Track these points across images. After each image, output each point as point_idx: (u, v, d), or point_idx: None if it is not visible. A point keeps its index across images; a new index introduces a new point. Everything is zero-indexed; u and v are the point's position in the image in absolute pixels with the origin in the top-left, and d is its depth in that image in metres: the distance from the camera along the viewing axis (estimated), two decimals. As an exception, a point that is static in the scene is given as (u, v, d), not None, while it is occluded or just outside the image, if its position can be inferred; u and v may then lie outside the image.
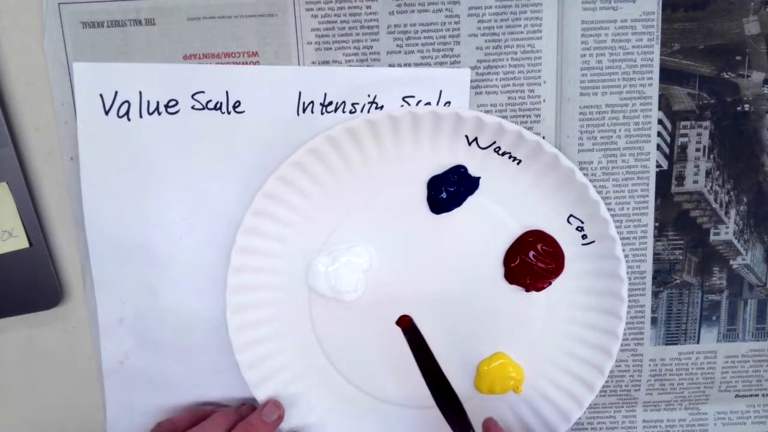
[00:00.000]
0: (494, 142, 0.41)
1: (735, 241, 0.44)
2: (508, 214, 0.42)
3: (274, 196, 0.41)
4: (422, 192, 0.42)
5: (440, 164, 0.42)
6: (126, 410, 0.45)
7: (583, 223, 0.42)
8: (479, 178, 0.42)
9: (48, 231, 0.43)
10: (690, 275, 0.45)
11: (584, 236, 0.42)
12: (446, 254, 0.43)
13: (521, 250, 0.42)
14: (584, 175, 0.42)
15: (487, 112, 0.41)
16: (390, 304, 0.43)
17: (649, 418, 0.47)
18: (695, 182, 0.43)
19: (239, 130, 0.41)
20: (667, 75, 0.42)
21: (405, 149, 0.41)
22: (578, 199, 0.41)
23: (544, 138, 0.42)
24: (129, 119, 0.41)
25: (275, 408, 0.42)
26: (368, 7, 0.40)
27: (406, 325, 0.41)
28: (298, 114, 0.41)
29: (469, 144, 0.41)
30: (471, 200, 0.42)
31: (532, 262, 0.42)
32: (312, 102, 0.41)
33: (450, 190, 0.42)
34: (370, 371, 0.44)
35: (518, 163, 0.41)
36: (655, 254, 0.44)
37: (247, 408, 0.43)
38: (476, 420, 0.40)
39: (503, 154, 0.41)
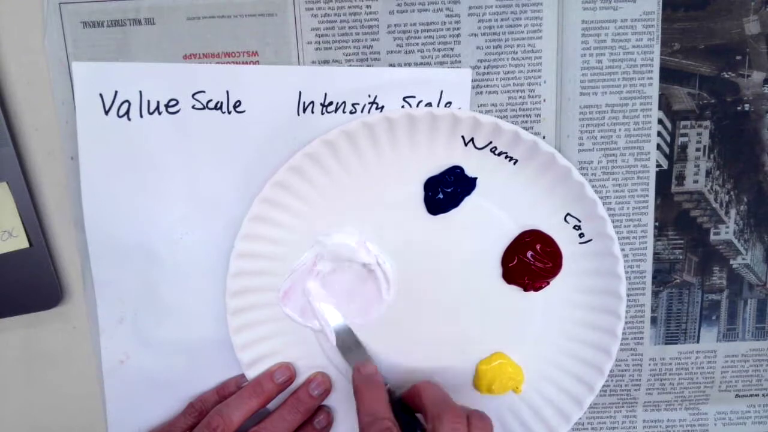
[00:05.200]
0: (491, 142, 0.41)
1: (735, 241, 0.44)
2: (506, 214, 0.42)
3: (272, 201, 0.41)
4: (419, 193, 0.42)
5: (437, 165, 0.42)
6: (126, 410, 0.45)
7: (580, 221, 0.42)
8: (476, 178, 0.42)
9: (48, 231, 0.43)
10: (690, 275, 0.45)
11: (581, 235, 0.42)
12: (444, 255, 0.42)
13: (519, 249, 0.42)
14: (584, 174, 0.42)
15: (487, 112, 0.41)
16: (388, 305, 0.43)
17: (649, 418, 0.47)
18: (695, 182, 0.43)
19: (240, 130, 0.41)
20: (667, 75, 0.42)
21: (402, 151, 0.41)
22: (575, 197, 0.41)
23: (544, 138, 0.42)
24: (129, 119, 0.41)
25: (322, 382, 0.43)
26: (368, 6, 0.40)
27: None
28: (298, 114, 0.41)
29: (466, 144, 0.41)
30: (468, 201, 0.42)
31: (529, 261, 0.42)
32: (312, 102, 0.41)
33: (447, 190, 0.42)
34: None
35: (515, 163, 0.41)
36: (655, 254, 0.44)
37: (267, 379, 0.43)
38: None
39: (500, 154, 0.41)
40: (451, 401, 0.37)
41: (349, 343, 0.42)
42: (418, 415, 0.39)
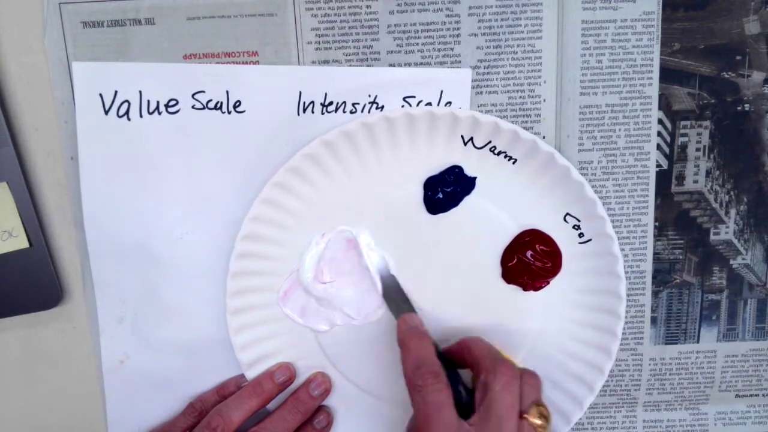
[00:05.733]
0: (490, 142, 0.41)
1: (735, 241, 0.44)
2: (505, 213, 0.42)
3: (272, 202, 0.41)
4: (419, 193, 0.42)
5: (436, 165, 0.42)
6: (126, 410, 0.45)
7: (579, 221, 0.42)
8: (475, 178, 0.42)
9: (48, 231, 0.43)
10: (690, 275, 0.45)
11: (581, 234, 0.42)
12: (443, 255, 0.42)
13: (518, 249, 0.42)
14: (584, 174, 0.42)
15: (487, 112, 0.42)
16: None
17: (650, 418, 0.47)
18: (695, 182, 0.43)
19: (239, 130, 0.41)
20: (667, 75, 0.42)
21: (401, 150, 0.41)
22: (575, 197, 0.41)
23: (544, 138, 0.42)
24: (129, 119, 0.41)
25: (322, 382, 0.43)
26: (368, 6, 0.40)
27: None
28: (298, 114, 0.41)
29: (465, 144, 0.41)
30: (467, 200, 0.42)
31: (529, 261, 0.42)
32: (312, 102, 0.41)
33: (446, 190, 0.42)
34: (369, 370, 0.44)
35: (514, 163, 0.41)
36: (655, 254, 0.44)
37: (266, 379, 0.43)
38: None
39: (499, 153, 0.41)
40: (504, 356, 0.37)
41: (394, 294, 0.42)
42: (460, 371, 0.38)
